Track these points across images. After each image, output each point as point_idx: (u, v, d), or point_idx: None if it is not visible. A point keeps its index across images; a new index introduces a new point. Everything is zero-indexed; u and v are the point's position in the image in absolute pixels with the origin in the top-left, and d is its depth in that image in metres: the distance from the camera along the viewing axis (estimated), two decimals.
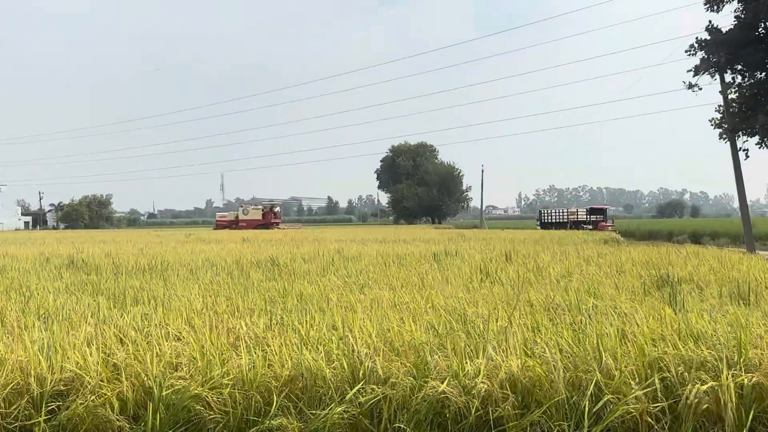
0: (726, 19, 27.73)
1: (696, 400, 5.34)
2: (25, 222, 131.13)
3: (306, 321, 7.82)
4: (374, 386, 5.59)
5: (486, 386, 5.48)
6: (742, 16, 27.96)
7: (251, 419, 5.48)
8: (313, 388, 5.70)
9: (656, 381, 5.53)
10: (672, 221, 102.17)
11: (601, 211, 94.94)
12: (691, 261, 16.46)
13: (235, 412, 5.50)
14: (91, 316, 8.69)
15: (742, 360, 5.81)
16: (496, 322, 7.52)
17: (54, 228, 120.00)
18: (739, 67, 28.52)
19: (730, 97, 29.17)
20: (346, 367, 5.90)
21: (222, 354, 6.23)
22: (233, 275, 14.75)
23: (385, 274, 14.22)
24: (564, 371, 5.64)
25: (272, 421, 5.36)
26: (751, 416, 5.31)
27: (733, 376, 5.48)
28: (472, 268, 15.39)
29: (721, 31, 28.32)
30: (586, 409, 5.32)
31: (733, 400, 5.34)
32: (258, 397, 5.61)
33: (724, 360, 5.79)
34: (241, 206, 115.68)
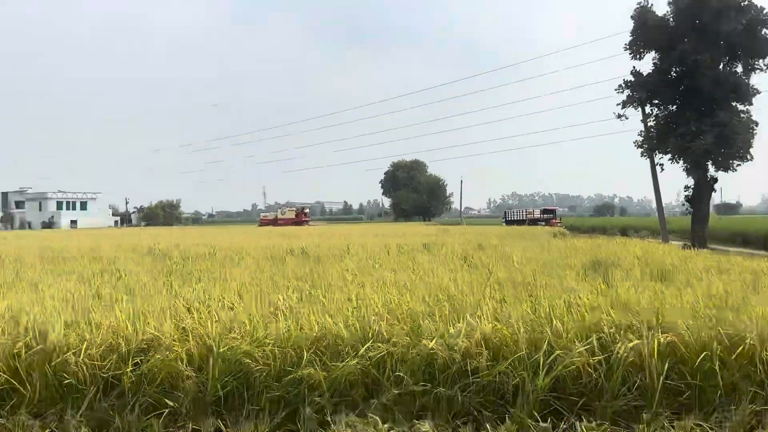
0: (646, 65, 27.81)
1: (625, 354, 5.39)
2: (114, 221, 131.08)
3: (328, 295, 7.87)
4: (380, 344, 5.63)
5: (465, 344, 5.52)
6: (658, 63, 28.15)
7: (287, 369, 5.50)
8: (334, 345, 5.74)
9: (594, 340, 5.58)
10: (605, 219, 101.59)
11: (552, 212, 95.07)
12: (620, 249, 16.47)
13: (275, 364, 5.54)
14: (165, 292, 8.74)
15: (659, 324, 5.86)
16: (473, 295, 7.56)
17: (137, 226, 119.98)
18: (656, 101, 28.69)
19: (649, 124, 29.33)
20: (358, 329, 5.94)
21: (264, 320, 6.27)
22: (272, 260, 14.77)
23: (387, 259, 14.25)
24: (524, 333, 5.69)
25: (303, 371, 5.40)
26: (666, 367, 5.36)
27: (652, 336, 5.53)
28: (454, 254, 15.44)
29: (642, 75, 28.52)
30: (541, 361, 5.36)
31: (653, 354, 5.39)
32: (292, 352, 5.64)
33: (646, 324, 5.84)
34: (279, 208, 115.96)
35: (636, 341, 5.48)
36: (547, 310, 6.26)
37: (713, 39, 26.10)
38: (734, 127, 25.82)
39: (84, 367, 5.49)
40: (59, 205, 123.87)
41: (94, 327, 6.11)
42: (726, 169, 26.73)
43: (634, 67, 28.85)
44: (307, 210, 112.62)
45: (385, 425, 5.00)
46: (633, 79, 28.68)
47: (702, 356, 5.44)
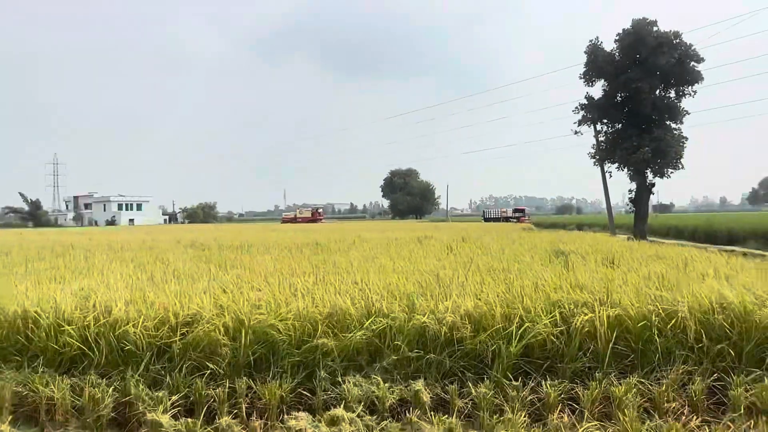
0: (597, 91, 27.92)
1: (581, 326, 5.39)
2: (163, 219, 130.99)
3: (338, 279, 7.85)
4: (381, 319, 5.60)
5: (452, 318, 5.51)
6: (607, 89, 28.25)
7: (305, 339, 5.49)
8: (343, 320, 5.71)
9: (557, 314, 5.57)
10: (565, 217, 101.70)
11: (522, 211, 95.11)
12: (577, 240, 16.46)
13: (295, 335, 5.52)
14: (205, 276, 8.73)
15: (609, 300, 5.85)
16: (457, 278, 7.55)
17: (181, 223, 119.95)
18: (605, 121, 28.81)
19: (600, 139, 29.39)
20: (363, 306, 5.91)
21: (286, 299, 6.25)
22: (292, 251, 14.75)
23: (387, 250, 14.20)
24: (500, 309, 5.67)
25: (318, 341, 5.39)
26: (614, 335, 5.36)
27: (603, 311, 5.52)
28: (441, 245, 15.42)
29: (594, 99, 28.68)
30: (514, 332, 5.35)
31: (604, 324, 5.39)
32: (309, 325, 5.62)
33: (598, 300, 5.83)
34: (298, 209, 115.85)
35: (590, 315, 5.47)
36: (519, 290, 6.24)
37: (651, 70, 26.15)
38: (668, 142, 25.94)
39: (141, 337, 5.48)
40: (120, 207, 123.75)
41: (149, 304, 6.09)
42: (662, 176, 26.81)
43: (587, 93, 29.06)
44: (320, 210, 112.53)
45: (386, 384, 5.00)
46: (586, 102, 28.83)
47: (643, 326, 5.45)
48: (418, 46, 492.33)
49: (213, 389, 5.08)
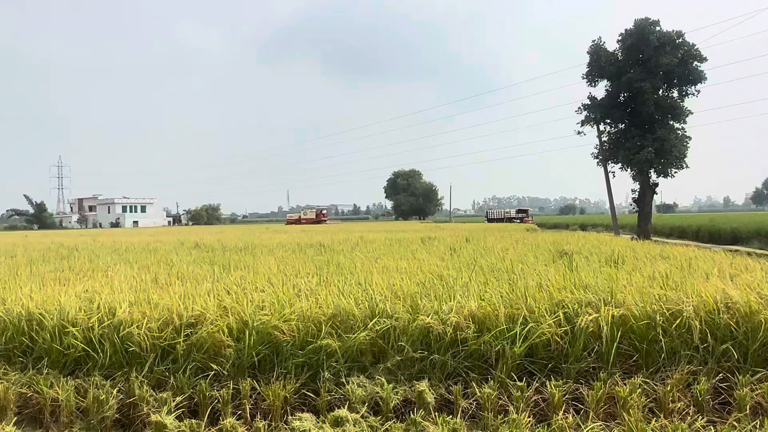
0: (599, 92, 27.98)
1: (585, 325, 5.36)
2: (168, 221, 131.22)
3: (341, 280, 7.82)
4: (385, 319, 5.59)
5: (456, 319, 5.49)
6: (610, 90, 28.16)
7: (309, 340, 5.47)
8: (347, 320, 5.69)
9: (561, 314, 5.54)
10: (568, 217, 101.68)
11: (525, 211, 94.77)
12: (581, 241, 16.41)
13: (299, 336, 5.51)
14: (209, 277, 8.70)
15: (613, 300, 5.82)
16: (461, 279, 7.52)
17: (185, 225, 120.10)
18: (608, 121, 28.69)
19: (603, 139, 29.32)
20: (367, 307, 5.89)
21: (290, 300, 6.23)
22: (296, 252, 14.72)
23: (390, 250, 14.17)
24: (504, 309, 5.65)
25: (322, 341, 5.37)
26: (618, 334, 5.33)
27: (607, 310, 5.49)
28: (445, 246, 15.38)
29: (597, 99, 28.57)
30: (518, 332, 5.33)
31: (608, 325, 5.36)
32: (313, 326, 5.60)
33: (602, 300, 5.80)
34: (302, 210, 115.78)
35: (594, 315, 5.45)
36: (523, 290, 6.21)
37: (654, 70, 26.05)
38: (671, 141, 25.84)
39: (145, 338, 5.48)
40: (124, 209, 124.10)
41: (153, 305, 6.09)
42: (665, 176, 26.69)
43: (590, 93, 29.00)
44: (324, 211, 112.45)
45: (390, 385, 4.98)
46: (589, 103, 28.74)
47: (647, 326, 5.43)
48: (420, 48, 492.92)
49: (217, 390, 5.07)
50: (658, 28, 26.37)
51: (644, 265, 9.05)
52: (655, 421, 4.58)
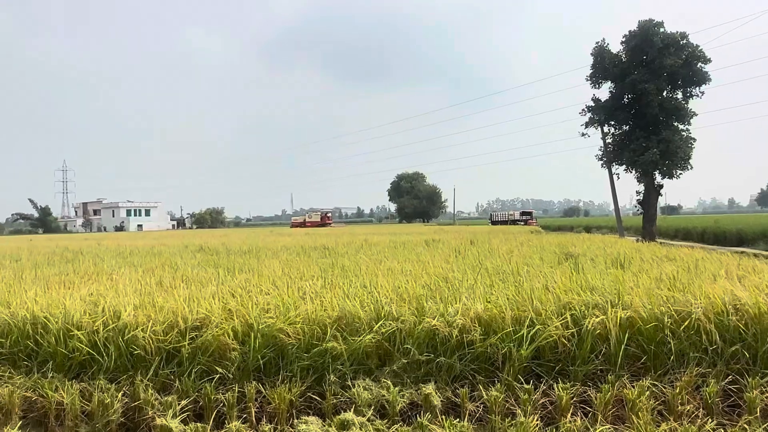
0: (603, 93, 27.98)
1: (592, 328, 5.32)
2: (171, 225, 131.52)
3: (346, 282, 7.79)
4: (391, 322, 5.56)
5: (462, 321, 5.46)
6: (614, 91, 28.11)
7: (314, 343, 5.45)
8: (353, 323, 5.66)
9: (568, 316, 5.50)
10: (572, 219, 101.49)
11: (529, 213, 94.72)
12: (586, 242, 16.35)
13: (304, 339, 5.48)
14: (214, 280, 8.68)
15: (620, 302, 5.77)
16: (466, 281, 7.49)
17: (190, 228, 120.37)
18: (612, 122, 28.64)
19: (607, 141, 29.27)
20: (372, 310, 5.86)
21: (295, 303, 6.20)
22: (300, 255, 14.70)
23: (394, 253, 14.13)
24: (510, 311, 5.61)
25: (327, 344, 5.34)
26: (626, 337, 5.29)
27: (614, 312, 5.45)
28: (449, 248, 15.34)
29: (601, 100, 28.54)
30: (525, 335, 5.29)
31: (615, 327, 5.32)
32: (318, 329, 5.57)
33: (609, 302, 5.76)
34: (307, 213, 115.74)
35: (601, 317, 5.41)
36: (529, 292, 6.17)
37: (658, 71, 26.01)
38: (676, 143, 25.77)
39: (150, 341, 5.46)
40: (128, 213, 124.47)
41: (158, 308, 6.07)
42: (670, 177, 26.62)
43: (594, 95, 28.97)
44: (329, 214, 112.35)
45: (396, 388, 4.95)
46: (593, 105, 28.71)
47: (655, 327, 5.38)
48: (425, 50, 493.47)
49: (222, 394, 5.05)
50: (662, 30, 26.32)
51: (651, 266, 8.99)
52: (665, 423, 4.54)
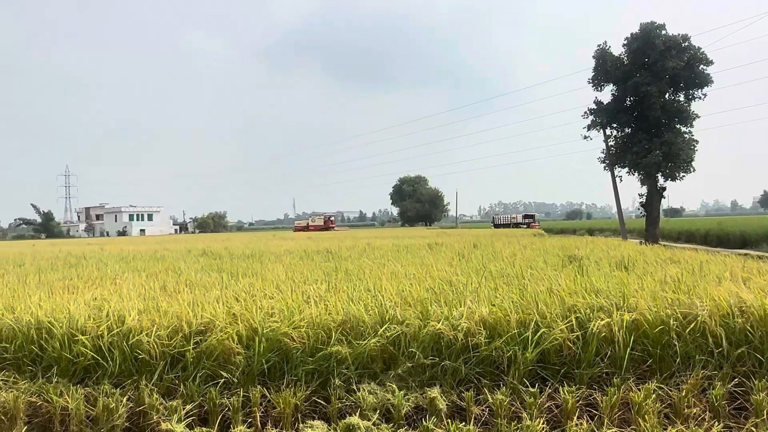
0: (605, 96, 28.03)
1: (598, 330, 5.30)
2: (174, 229, 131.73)
3: (350, 286, 7.79)
4: (395, 325, 5.54)
5: (467, 324, 5.44)
6: (616, 94, 28.15)
7: (319, 347, 5.44)
8: (357, 327, 5.65)
9: (573, 319, 5.48)
10: (575, 222, 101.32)
11: (532, 217, 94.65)
12: (589, 245, 16.31)
13: (308, 343, 5.47)
14: (217, 285, 8.68)
15: (625, 305, 5.76)
16: (471, 284, 7.47)
17: (192, 233, 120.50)
18: (615, 125, 28.69)
19: (609, 144, 29.27)
20: (377, 314, 5.84)
21: (299, 307, 6.19)
22: (303, 259, 14.68)
23: (397, 257, 14.11)
24: (515, 315, 5.60)
25: (332, 348, 5.34)
26: (632, 340, 5.27)
27: (620, 315, 5.44)
28: (453, 252, 15.32)
29: (603, 103, 28.58)
30: (530, 338, 5.28)
31: (621, 329, 5.30)
32: (322, 333, 5.56)
33: (614, 305, 5.75)
34: (310, 217, 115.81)
35: (606, 319, 5.39)
36: (533, 295, 6.15)
37: (660, 74, 26.04)
38: (679, 145, 25.78)
39: (154, 346, 5.45)
40: (131, 217, 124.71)
41: (162, 313, 6.07)
42: (673, 179, 26.61)
43: (596, 98, 29.06)
44: (333, 218, 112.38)
45: (401, 392, 4.94)
46: (595, 107, 28.76)
47: (660, 330, 5.36)
48: (425, 53, 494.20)
49: (227, 398, 5.05)
50: (663, 32, 26.36)
51: (655, 269, 8.97)
52: (671, 427, 4.52)
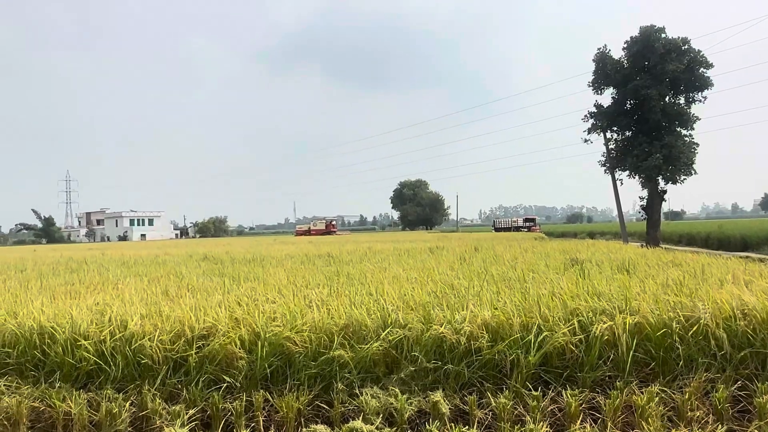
0: (606, 99, 28.18)
1: (600, 334, 5.30)
2: (175, 234, 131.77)
3: (352, 290, 7.78)
4: (398, 329, 5.54)
5: (469, 328, 5.44)
6: (616, 97, 28.21)
7: (321, 351, 5.43)
8: (359, 331, 5.64)
9: (575, 322, 5.48)
10: (576, 225, 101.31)
11: (532, 220, 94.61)
12: (591, 249, 16.30)
13: (311, 347, 5.47)
14: (219, 289, 8.68)
15: (627, 308, 5.76)
16: (473, 288, 7.47)
17: (193, 237, 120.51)
18: (615, 128, 28.77)
19: (610, 147, 29.33)
20: (379, 317, 5.84)
21: (301, 311, 6.19)
22: (305, 263, 14.68)
23: (399, 260, 14.12)
24: (517, 318, 5.60)
25: (334, 352, 5.33)
26: (634, 343, 5.27)
27: (622, 318, 5.44)
28: (454, 256, 15.32)
29: (603, 107, 28.63)
30: (532, 341, 5.28)
31: (623, 333, 5.30)
32: (325, 337, 5.56)
33: (616, 308, 5.75)
34: (312, 221, 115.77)
35: (609, 323, 5.39)
36: (535, 298, 6.15)
37: (660, 77, 26.08)
38: (679, 148, 25.82)
39: (157, 350, 5.45)
40: (131, 222, 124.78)
41: (164, 317, 6.07)
42: (674, 182, 26.63)
43: (596, 101, 29.08)
44: (334, 222, 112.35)
45: (404, 396, 4.94)
46: (596, 111, 28.81)
47: (663, 333, 5.36)
48: (426, 57, 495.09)
49: (230, 402, 5.04)
50: (663, 35, 26.42)
51: (656, 272, 8.97)
52: (675, 430, 4.52)
